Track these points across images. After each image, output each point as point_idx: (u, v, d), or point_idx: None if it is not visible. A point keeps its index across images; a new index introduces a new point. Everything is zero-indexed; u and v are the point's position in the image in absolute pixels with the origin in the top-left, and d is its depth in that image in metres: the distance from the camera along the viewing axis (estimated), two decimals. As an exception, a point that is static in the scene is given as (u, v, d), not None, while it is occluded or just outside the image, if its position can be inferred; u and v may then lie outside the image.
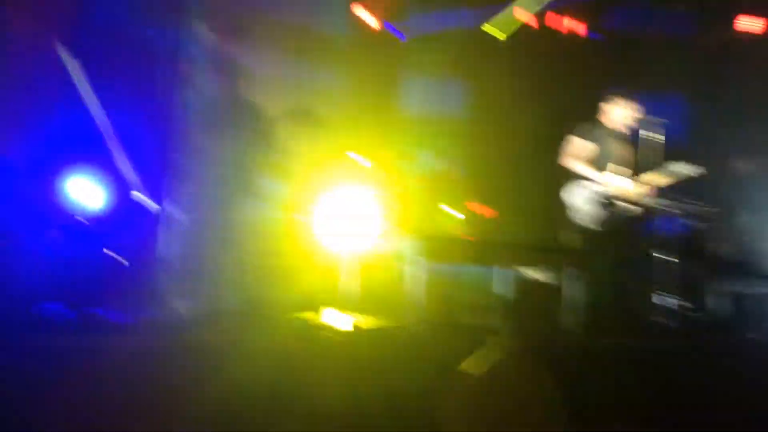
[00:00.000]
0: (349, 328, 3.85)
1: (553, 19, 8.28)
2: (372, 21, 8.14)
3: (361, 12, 8.08)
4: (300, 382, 2.85)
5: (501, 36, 8.07)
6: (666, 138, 5.23)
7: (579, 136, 5.26)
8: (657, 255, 5.25)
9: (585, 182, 5.17)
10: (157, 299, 3.58)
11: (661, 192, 5.21)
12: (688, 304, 5.11)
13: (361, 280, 4.10)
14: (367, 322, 4.06)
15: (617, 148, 5.32)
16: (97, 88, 4.85)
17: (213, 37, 4.15)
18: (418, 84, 8.86)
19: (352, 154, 7.16)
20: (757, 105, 7.17)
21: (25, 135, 4.88)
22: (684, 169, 5.13)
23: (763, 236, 6.01)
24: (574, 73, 7.84)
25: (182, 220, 3.92)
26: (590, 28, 8.23)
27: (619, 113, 5.29)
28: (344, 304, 4.02)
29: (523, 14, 8.13)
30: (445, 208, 7.16)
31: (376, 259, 4.22)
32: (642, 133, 5.20)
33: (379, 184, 7.18)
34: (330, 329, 3.81)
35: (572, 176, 5.24)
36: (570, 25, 8.23)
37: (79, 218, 4.48)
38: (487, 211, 7.32)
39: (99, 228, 4.47)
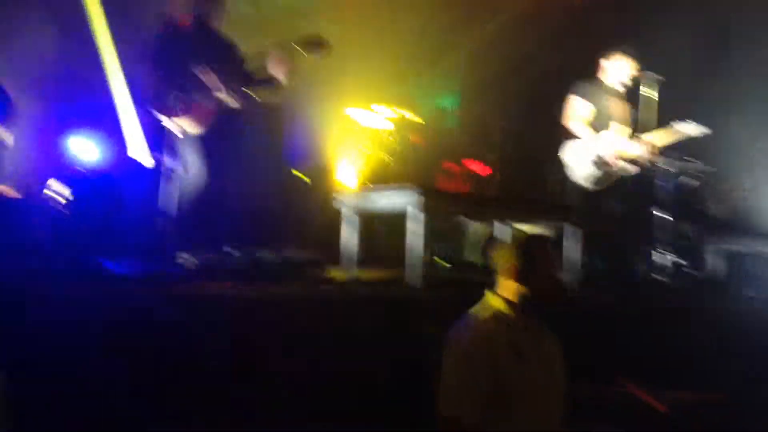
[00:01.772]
0: (351, 280, 3.90)
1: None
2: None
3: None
4: (301, 333, 2.90)
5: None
6: (666, 96, 5.23)
7: (577, 94, 5.24)
8: (655, 213, 5.32)
9: (584, 141, 5.17)
10: (162, 252, 3.58)
11: (660, 151, 5.23)
12: (685, 262, 5.19)
13: (362, 233, 4.12)
14: (367, 275, 4.11)
15: (616, 106, 5.30)
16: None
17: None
18: (416, 39, 8.79)
19: (350, 110, 7.15)
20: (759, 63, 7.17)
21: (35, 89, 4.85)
22: (686, 128, 5.12)
23: (760, 195, 6.08)
24: (573, 29, 7.81)
25: (182, 174, 3.89)
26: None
27: (618, 70, 5.25)
28: (345, 257, 4.04)
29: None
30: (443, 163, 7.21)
31: (376, 213, 4.22)
32: (642, 90, 5.19)
33: (376, 140, 7.22)
34: (332, 281, 3.85)
35: (571, 135, 5.24)
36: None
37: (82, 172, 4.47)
38: (485, 168, 7.35)
39: (102, 182, 4.47)
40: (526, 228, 6.42)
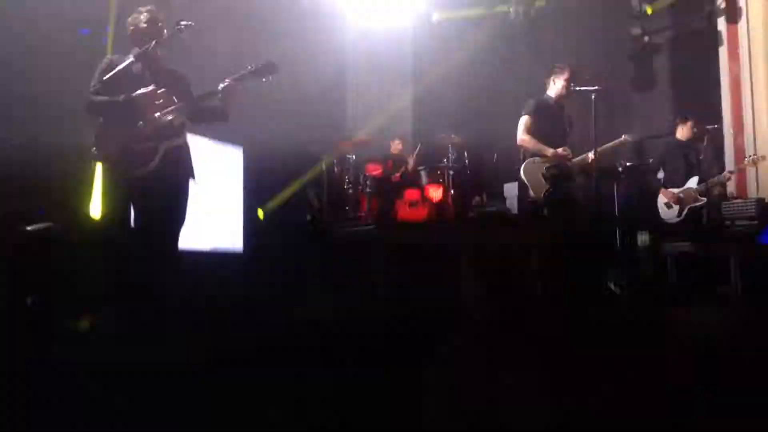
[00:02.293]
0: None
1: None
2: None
3: None
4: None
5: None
6: (608, 107, 5.40)
7: (525, 112, 5.41)
8: (606, 223, 5.45)
9: (536, 157, 5.32)
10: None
11: (607, 160, 5.40)
12: (636, 270, 5.29)
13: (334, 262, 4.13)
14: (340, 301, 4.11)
15: (561, 120, 5.50)
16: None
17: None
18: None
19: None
20: (692, 71, 7.44)
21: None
22: (628, 136, 5.32)
23: (705, 199, 6.23)
24: (518, 49, 8.03)
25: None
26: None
27: (560, 85, 5.45)
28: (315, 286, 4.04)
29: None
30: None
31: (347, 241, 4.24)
32: (586, 102, 5.35)
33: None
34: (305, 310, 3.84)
35: (524, 153, 5.38)
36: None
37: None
38: (441, 192, 7.43)
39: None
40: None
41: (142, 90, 3.85)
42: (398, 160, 7.89)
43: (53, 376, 2.47)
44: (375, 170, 7.58)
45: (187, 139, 4.06)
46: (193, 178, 4.05)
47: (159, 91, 3.88)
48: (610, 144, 5.36)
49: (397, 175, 7.63)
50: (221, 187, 6.78)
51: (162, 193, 3.88)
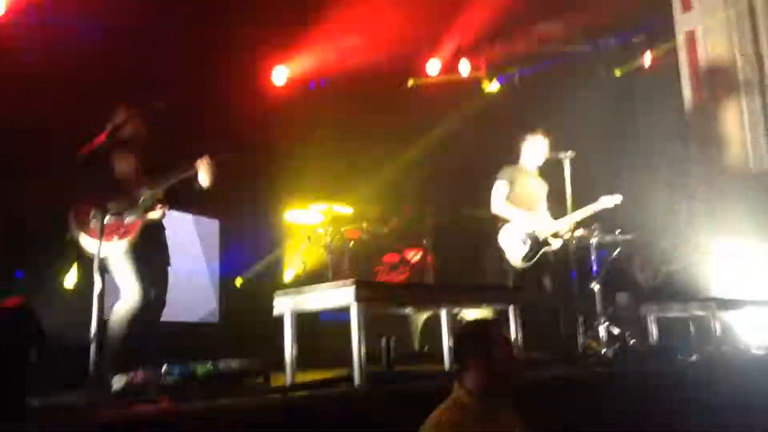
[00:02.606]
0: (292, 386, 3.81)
1: (464, 68, 8.68)
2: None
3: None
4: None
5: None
6: (584, 172, 5.48)
7: (501, 178, 5.45)
8: (588, 286, 5.47)
9: (513, 222, 5.34)
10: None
11: (585, 225, 5.43)
12: (620, 332, 5.28)
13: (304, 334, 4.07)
14: (310, 377, 4.03)
15: (536, 185, 5.55)
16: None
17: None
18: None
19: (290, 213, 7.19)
20: (665, 135, 7.64)
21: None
22: (605, 200, 5.35)
23: (684, 261, 6.31)
24: (492, 117, 8.20)
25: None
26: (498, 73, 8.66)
27: (535, 151, 5.52)
28: (288, 361, 3.96)
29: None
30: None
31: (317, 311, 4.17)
32: (563, 168, 5.42)
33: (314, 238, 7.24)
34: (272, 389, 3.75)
35: (501, 220, 5.41)
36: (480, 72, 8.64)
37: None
38: (422, 257, 7.44)
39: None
40: (473, 313, 6.50)
41: None
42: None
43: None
44: (354, 234, 7.57)
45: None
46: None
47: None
48: (589, 208, 5.38)
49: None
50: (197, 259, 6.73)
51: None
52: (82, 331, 3.58)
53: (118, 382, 3.39)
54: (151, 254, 4.06)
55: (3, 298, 2.97)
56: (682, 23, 7.50)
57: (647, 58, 8.28)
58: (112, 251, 3.84)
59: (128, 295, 3.91)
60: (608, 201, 5.35)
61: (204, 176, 4.08)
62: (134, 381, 3.35)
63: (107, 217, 3.76)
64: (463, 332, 2.73)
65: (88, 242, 3.89)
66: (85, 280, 3.92)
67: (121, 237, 3.89)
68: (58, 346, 3.88)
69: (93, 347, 3.37)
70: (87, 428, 2.52)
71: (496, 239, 5.47)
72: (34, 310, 2.94)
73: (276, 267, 7.43)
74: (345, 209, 7.35)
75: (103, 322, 3.57)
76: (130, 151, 4.09)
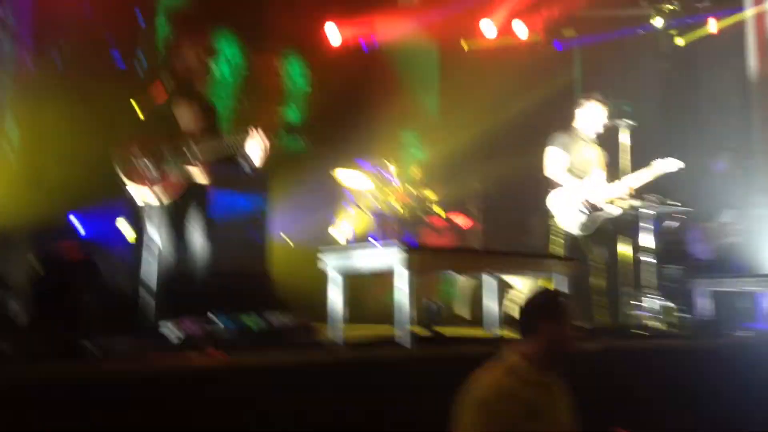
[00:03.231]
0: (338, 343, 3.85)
1: (520, 30, 8.46)
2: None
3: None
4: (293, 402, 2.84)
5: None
6: (640, 139, 5.33)
7: (554, 145, 5.32)
8: (639, 257, 5.36)
9: (566, 189, 5.23)
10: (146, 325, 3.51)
11: (640, 193, 5.30)
12: (673, 305, 5.19)
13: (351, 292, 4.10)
14: (356, 334, 4.07)
15: (592, 153, 5.40)
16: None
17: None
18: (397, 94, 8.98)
19: (339, 171, 7.20)
20: (725, 105, 7.37)
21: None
22: (663, 165, 5.18)
23: (740, 234, 6.13)
24: (547, 81, 8.01)
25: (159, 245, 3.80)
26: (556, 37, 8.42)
27: (592, 118, 5.35)
28: (333, 318, 3.99)
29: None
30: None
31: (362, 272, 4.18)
32: (618, 135, 5.28)
33: (361, 199, 7.24)
34: (319, 345, 3.79)
35: (554, 184, 5.30)
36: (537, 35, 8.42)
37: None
38: (468, 220, 7.38)
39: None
40: (517, 279, 6.45)
41: None
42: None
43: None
44: (401, 197, 7.55)
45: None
46: None
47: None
48: (643, 173, 5.21)
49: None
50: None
51: None
52: (135, 281, 3.66)
53: (168, 329, 3.44)
54: (192, 215, 4.00)
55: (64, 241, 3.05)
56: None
57: (712, 25, 7.93)
58: (152, 201, 3.82)
59: (161, 250, 3.87)
60: (663, 166, 5.17)
61: (254, 148, 3.90)
62: (183, 329, 3.40)
63: (149, 163, 3.73)
64: (536, 300, 2.74)
65: (129, 185, 3.85)
66: (137, 227, 3.92)
67: (164, 191, 3.84)
68: (112, 292, 4.00)
69: (144, 294, 3.44)
70: (140, 374, 2.58)
71: (544, 206, 5.37)
72: (94, 262, 3.01)
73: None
74: (392, 169, 7.31)
75: (161, 274, 3.63)
76: (189, 98, 4.03)
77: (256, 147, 3.84)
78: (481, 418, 2.44)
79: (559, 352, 2.60)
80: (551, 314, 2.64)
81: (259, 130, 3.86)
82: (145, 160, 3.73)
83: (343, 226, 7.21)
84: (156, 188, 3.78)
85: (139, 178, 3.78)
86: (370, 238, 6.75)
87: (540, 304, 2.70)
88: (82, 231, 5.21)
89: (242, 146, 3.87)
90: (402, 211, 7.36)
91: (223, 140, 3.99)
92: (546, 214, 5.37)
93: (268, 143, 3.86)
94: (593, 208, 5.18)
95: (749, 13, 7.17)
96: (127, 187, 3.87)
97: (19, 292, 3.48)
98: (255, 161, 3.91)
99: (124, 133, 4.03)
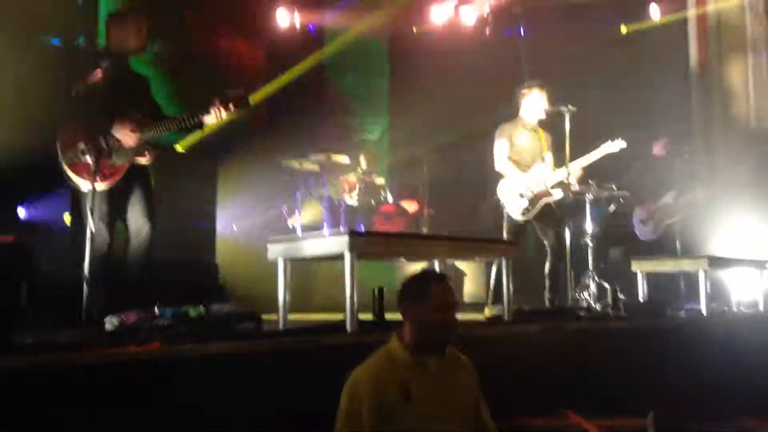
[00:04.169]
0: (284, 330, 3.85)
1: (468, 17, 8.51)
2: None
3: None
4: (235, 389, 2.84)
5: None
6: (583, 124, 5.43)
7: (501, 135, 5.41)
8: (584, 240, 5.49)
9: (512, 177, 5.32)
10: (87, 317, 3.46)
11: (583, 178, 5.42)
12: (615, 287, 5.32)
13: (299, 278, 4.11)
14: (303, 322, 4.08)
15: (537, 139, 5.49)
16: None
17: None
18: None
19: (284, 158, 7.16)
20: (666, 92, 7.55)
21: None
22: (605, 147, 5.33)
23: (680, 215, 6.31)
24: (495, 67, 8.08)
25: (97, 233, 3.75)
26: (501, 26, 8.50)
27: (534, 105, 5.43)
28: (280, 306, 3.99)
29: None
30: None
31: (311, 259, 4.19)
32: (562, 121, 5.37)
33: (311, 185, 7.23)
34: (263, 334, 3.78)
35: (500, 173, 5.38)
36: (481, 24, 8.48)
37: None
38: (418, 206, 7.43)
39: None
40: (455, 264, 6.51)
41: None
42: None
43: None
44: (350, 183, 7.55)
45: None
46: None
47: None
48: (592, 155, 5.35)
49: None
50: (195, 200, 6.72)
51: None
52: (76, 270, 3.60)
53: (110, 322, 3.40)
54: (133, 196, 4.04)
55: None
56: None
57: (654, 11, 8.09)
58: (92, 191, 3.76)
59: (100, 238, 3.85)
60: (610, 147, 5.33)
61: (212, 120, 4.00)
62: (126, 322, 3.36)
63: (94, 157, 3.68)
64: (404, 282, 2.67)
65: (72, 176, 3.83)
66: (77, 218, 3.86)
67: (104, 179, 3.82)
68: (51, 286, 3.92)
69: (85, 287, 3.38)
70: (77, 366, 2.55)
71: (494, 192, 5.46)
72: (26, 246, 2.94)
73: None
74: (342, 158, 7.32)
75: (95, 262, 3.57)
76: (126, 76, 3.99)
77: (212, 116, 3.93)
78: (352, 402, 2.46)
79: (428, 334, 2.55)
80: (414, 296, 2.58)
81: (215, 106, 3.91)
82: (90, 155, 3.67)
83: (295, 216, 7.20)
84: (100, 177, 3.75)
85: (83, 171, 3.75)
86: (321, 226, 6.76)
87: (405, 287, 2.63)
88: (21, 213, 5.11)
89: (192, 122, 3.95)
90: (352, 198, 7.37)
91: (165, 122, 4.01)
92: (496, 201, 5.46)
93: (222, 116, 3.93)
94: (534, 195, 5.27)
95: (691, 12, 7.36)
96: (69, 178, 3.82)
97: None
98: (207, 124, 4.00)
99: (62, 117, 3.93)
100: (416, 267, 6.22)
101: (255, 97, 4.46)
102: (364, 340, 3.27)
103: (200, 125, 4.09)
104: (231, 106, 3.97)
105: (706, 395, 4.14)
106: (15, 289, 2.76)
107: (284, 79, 7.48)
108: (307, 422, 2.78)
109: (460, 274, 7.36)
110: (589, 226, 5.51)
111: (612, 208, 5.72)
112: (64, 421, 2.42)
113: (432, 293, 2.57)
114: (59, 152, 3.82)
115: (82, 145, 3.77)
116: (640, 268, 5.60)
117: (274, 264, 4.04)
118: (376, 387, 2.46)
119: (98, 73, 3.71)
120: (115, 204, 3.97)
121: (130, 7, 4.13)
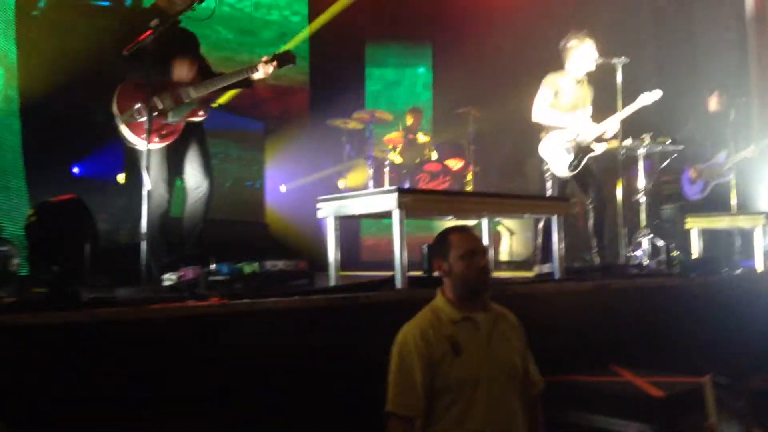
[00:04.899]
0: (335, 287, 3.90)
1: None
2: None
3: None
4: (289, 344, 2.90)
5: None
6: (633, 77, 5.28)
7: (545, 84, 5.26)
8: (632, 197, 5.39)
9: (555, 130, 5.21)
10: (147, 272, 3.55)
11: (628, 131, 5.28)
12: (666, 243, 5.23)
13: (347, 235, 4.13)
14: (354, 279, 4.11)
15: (583, 91, 5.34)
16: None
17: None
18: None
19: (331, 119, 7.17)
20: (720, 42, 7.28)
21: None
22: (645, 97, 5.14)
23: (730, 175, 6.13)
24: (537, 22, 7.89)
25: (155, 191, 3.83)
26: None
27: (583, 56, 5.24)
28: (331, 263, 4.03)
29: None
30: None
31: (360, 217, 4.21)
32: (608, 74, 5.23)
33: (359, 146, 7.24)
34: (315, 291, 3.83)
35: (543, 126, 5.27)
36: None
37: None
38: (464, 164, 7.39)
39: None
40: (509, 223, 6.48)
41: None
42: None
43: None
44: (395, 140, 7.53)
45: None
46: None
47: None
48: (630, 108, 5.16)
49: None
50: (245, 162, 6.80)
51: None
52: (134, 227, 3.69)
53: (168, 278, 3.49)
54: (190, 153, 4.14)
55: (59, 193, 3.05)
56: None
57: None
58: (150, 150, 3.83)
59: (160, 196, 3.98)
60: (647, 98, 5.13)
61: (260, 76, 4.10)
62: (184, 278, 3.45)
63: (149, 116, 3.71)
64: (432, 241, 2.77)
65: (128, 135, 3.88)
66: (134, 176, 3.95)
67: (162, 139, 3.90)
68: (109, 244, 4.03)
69: (143, 245, 3.46)
70: (139, 320, 2.63)
71: (537, 149, 5.36)
72: (87, 205, 3.02)
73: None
74: (386, 115, 7.30)
75: (156, 219, 3.66)
76: (185, 55, 4.04)
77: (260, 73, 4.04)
78: (403, 358, 2.52)
79: (462, 283, 2.62)
80: (438, 251, 2.67)
81: (263, 63, 4.02)
82: (147, 114, 3.73)
83: (343, 176, 7.24)
84: (158, 137, 3.83)
85: (141, 131, 3.80)
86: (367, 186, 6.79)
87: (430, 246, 2.76)
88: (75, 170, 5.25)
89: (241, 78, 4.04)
90: (399, 157, 7.37)
91: (217, 78, 4.09)
92: (539, 158, 5.37)
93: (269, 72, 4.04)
94: (579, 147, 5.16)
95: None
96: (126, 139, 3.90)
97: (17, 241, 3.51)
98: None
99: (116, 78, 3.99)
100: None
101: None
102: (414, 296, 3.28)
103: (249, 83, 4.17)
104: (277, 62, 4.08)
105: (762, 354, 4.08)
106: (79, 247, 2.83)
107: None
108: (359, 378, 2.84)
109: (506, 233, 7.33)
110: (641, 182, 5.40)
111: (666, 163, 5.57)
112: (128, 376, 2.51)
113: (453, 243, 2.66)
114: (115, 113, 3.88)
115: (138, 105, 3.82)
116: (694, 224, 5.49)
117: (320, 224, 4.09)
118: (426, 342, 2.53)
119: (148, 33, 3.73)
120: (174, 161, 4.07)
121: None
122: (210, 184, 4.18)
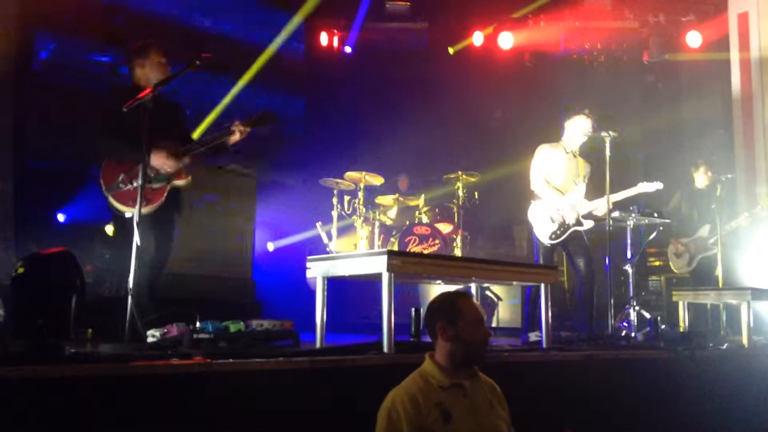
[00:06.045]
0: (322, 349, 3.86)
1: (505, 42, 8.53)
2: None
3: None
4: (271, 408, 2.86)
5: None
6: (623, 154, 5.39)
7: (540, 156, 5.37)
8: (622, 268, 5.43)
9: (547, 201, 5.28)
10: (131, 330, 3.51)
11: (622, 206, 5.37)
12: (651, 315, 5.24)
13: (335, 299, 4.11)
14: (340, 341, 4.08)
15: (576, 165, 5.45)
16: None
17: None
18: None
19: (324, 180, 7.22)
20: (707, 121, 7.47)
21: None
22: (643, 186, 5.31)
23: (715, 249, 6.20)
24: (534, 94, 8.09)
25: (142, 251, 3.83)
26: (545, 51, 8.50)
27: (577, 130, 5.39)
28: (319, 324, 4.00)
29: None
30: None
31: (349, 278, 4.20)
32: (602, 149, 5.33)
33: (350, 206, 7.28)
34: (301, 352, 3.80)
35: (535, 196, 5.35)
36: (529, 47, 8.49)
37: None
38: (453, 229, 7.43)
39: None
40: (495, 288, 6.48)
41: None
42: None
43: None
44: (386, 203, 7.60)
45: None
46: None
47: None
48: (627, 192, 5.32)
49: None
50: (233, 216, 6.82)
51: None
52: (120, 282, 3.66)
53: (152, 335, 3.45)
54: (170, 218, 4.20)
55: (48, 245, 3.04)
56: (735, 4, 7.28)
57: (695, 38, 8.00)
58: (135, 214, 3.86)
59: (147, 254, 3.95)
60: (646, 187, 5.31)
61: (237, 138, 4.18)
62: (168, 335, 3.41)
63: (133, 185, 3.82)
64: (432, 304, 2.74)
65: (116, 204, 3.97)
66: (121, 236, 3.97)
67: (146, 204, 3.92)
68: (95, 297, 3.99)
69: (130, 300, 3.43)
70: (121, 378, 2.59)
71: (525, 215, 5.43)
72: (76, 258, 3.00)
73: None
74: (376, 179, 7.38)
75: (140, 277, 3.62)
76: (162, 144, 4.08)
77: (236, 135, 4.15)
78: (391, 423, 2.48)
79: (467, 349, 2.61)
80: (446, 315, 2.64)
81: (237, 127, 4.14)
82: (133, 184, 3.82)
83: (329, 232, 7.25)
84: (143, 203, 3.85)
85: (127, 198, 3.90)
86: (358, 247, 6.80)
87: (435, 308, 2.70)
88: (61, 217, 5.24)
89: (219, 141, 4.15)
90: (388, 218, 7.41)
91: (195, 145, 4.18)
92: (528, 224, 5.43)
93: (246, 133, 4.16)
94: (563, 220, 5.23)
95: (732, 21, 7.25)
96: (115, 207, 3.97)
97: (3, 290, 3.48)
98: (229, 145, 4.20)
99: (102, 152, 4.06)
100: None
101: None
102: (401, 360, 3.26)
103: (226, 147, 4.22)
104: (253, 124, 4.20)
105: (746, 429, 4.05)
106: (66, 301, 2.81)
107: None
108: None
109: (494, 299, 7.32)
110: (629, 254, 5.45)
111: (653, 236, 5.63)
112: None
113: (463, 309, 2.65)
114: (102, 185, 3.98)
115: (122, 176, 3.94)
116: (680, 298, 5.51)
117: (308, 283, 4.08)
118: (415, 408, 2.50)
119: (148, 90, 3.79)
120: (160, 221, 4.09)
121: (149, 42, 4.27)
122: (168, 254, 4.22)
